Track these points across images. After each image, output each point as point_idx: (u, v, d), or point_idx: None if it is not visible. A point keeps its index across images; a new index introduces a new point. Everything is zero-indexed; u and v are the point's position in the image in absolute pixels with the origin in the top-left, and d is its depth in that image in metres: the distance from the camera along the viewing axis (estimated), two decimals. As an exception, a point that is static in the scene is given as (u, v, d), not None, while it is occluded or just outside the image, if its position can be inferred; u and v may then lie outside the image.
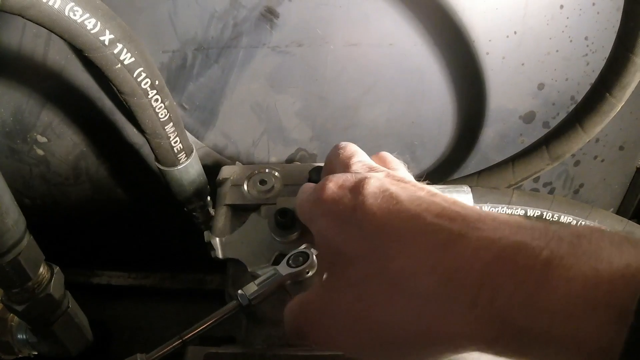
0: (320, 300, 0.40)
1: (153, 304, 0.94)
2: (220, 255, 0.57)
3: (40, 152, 0.88)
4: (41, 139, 0.86)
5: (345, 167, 0.46)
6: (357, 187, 0.39)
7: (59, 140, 0.86)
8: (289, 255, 0.51)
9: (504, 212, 0.72)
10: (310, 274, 0.51)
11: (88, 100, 0.82)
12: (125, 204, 0.93)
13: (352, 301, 0.37)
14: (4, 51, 0.78)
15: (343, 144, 0.50)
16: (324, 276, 0.40)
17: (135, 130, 0.84)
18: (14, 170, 0.89)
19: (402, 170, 0.47)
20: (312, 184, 0.52)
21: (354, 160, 0.46)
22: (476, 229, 0.32)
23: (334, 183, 0.41)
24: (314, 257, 0.50)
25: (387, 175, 0.41)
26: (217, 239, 0.57)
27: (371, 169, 0.44)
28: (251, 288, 0.49)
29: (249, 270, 0.55)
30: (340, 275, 0.38)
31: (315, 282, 0.41)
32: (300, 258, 0.51)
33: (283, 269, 0.50)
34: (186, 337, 0.48)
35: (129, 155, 0.87)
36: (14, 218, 0.55)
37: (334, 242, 0.39)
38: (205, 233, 0.56)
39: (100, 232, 0.97)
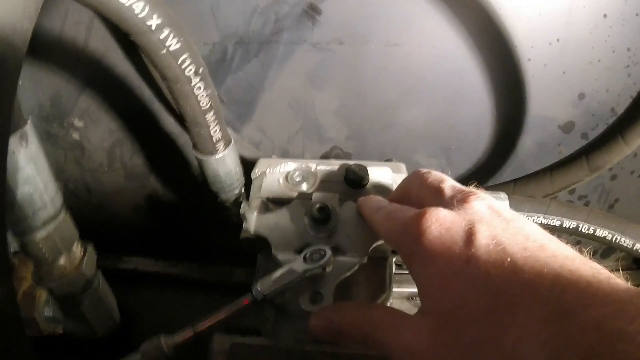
0: (431, 352, 0.39)
1: (179, 293, 0.94)
2: (252, 229, 0.56)
3: (76, 136, 0.88)
4: (78, 123, 0.87)
5: (437, 192, 0.46)
6: (469, 236, 0.39)
7: (95, 126, 0.87)
8: (305, 251, 0.51)
9: (539, 221, 0.71)
10: (327, 271, 0.51)
11: (127, 88, 0.83)
12: (157, 192, 0.94)
13: None
14: (46, 36, 0.79)
15: (424, 169, 0.50)
16: (433, 326, 0.39)
17: (172, 120, 0.84)
18: (49, 154, 0.89)
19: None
20: (380, 198, 0.53)
21: (446, 184, 0.46)
22: (585, 309, 0.32)
23: (439, 222, 0.41)
24: (330, 254, 0.50)
25: (489, 208, 0.42)
26: (254, 213, 0.57)
27: (467, 195, 0.43)
28: (266, 282, 0.50)
29: (272, 252, 0.54)
30: (453, 335, 0.38)
31: (421, 326, 0.40)
32: (317, 255, 0.51)
33: (299, 264, 0.50)
34: (199, 329, 0.49)
35: (164, 145, 0.88)
36: (52, 194, 0.55)
37: (446, 296, 0.39)
38: (243, 204, 0.56)
39: (131, 220, 0.98)
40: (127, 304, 0.85)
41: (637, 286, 0.34)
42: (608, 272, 0.35)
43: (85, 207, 0.97)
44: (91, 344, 0.71)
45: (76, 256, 0.62)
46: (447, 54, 0.78)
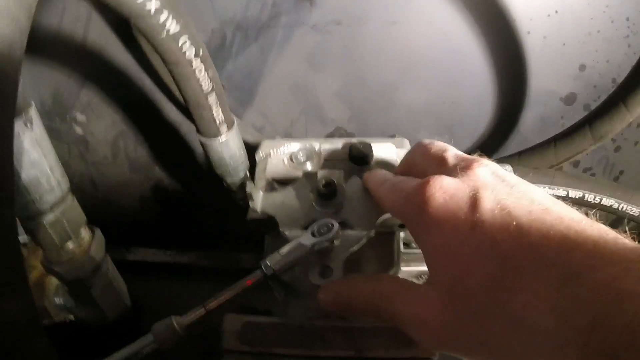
0: (441, 321, 0.39)
1: (187, 281, 0.94)
2: (258, 208, 0.57)
3: (79, 131, 0.89)
4: (80, 118, 0.87)
5: (440, 161, 0.46)
6: (473, 202, 0.39)
7: (97, 119, 0.87)
8: (312, 225, 0.52)
9: (546, 192, 0.71)
10: (335, 244, 0.51)
11: (127, 79, 0.83)
12: (162, 182, 0.94)
13: (474, 328, 0.37)
14: (44, 32, 0.79)
15: (426, 140, 0.50)
16: (441, 294, 0.40)
17: (174, 108, 0.84)
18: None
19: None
20: (385, 171, 0.53)
21: (448, 153, 0.46)
22: (591, 269, 0.32)
23: (442, 190, 0.41)
24: (338, 227, 0.51)
25: (493, 174, 0.42)
26: (260, 192, 0.58)
27: (470, 162, 0.43)
28: (275, 258, 0.50)
29: (279, 229, 0.55)
30: (461, 302, 0.38)
31: (430, 296, 0.41)
32: (325, 228, 0.51)
33: (307, 239, 0.50)
34: (209, 307, 0.49)
35: (167, 134, 0.88)
36: (58, 178, 0.56)
37: (453, 264, 0.39)
38: (249, 184, 0.56)
39: (137, 211, 0.98)
40: (137, 294, 0.85)
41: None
42: (615, 232, 0.35)
43: (92, 201, 0.97)
44: (102, 331, 0.71)
45: (85, 240, 0.63)
46: (446, 30, 0.78)
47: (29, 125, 0.49)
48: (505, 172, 0.43)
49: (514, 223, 0.36)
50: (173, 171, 0.93)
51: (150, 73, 0.81)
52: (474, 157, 0.45)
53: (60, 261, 0.60)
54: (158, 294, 0.95)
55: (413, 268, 0.95)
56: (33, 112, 0.50)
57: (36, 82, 0.84)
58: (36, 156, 0.51)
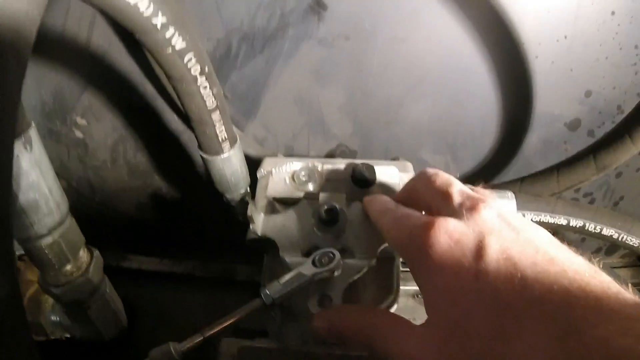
0: None
1: (182, 291, 0.94)
2: (259, 231, 0.56)
3: (79, 134, 0.88)
4: (81, 121, 0.86)
5: (444, 197, 0.45)
6: (478, 250, 0.38)
7: (98, 123, 0.86)
8: (314, 255, 0.51)
9: (546, 220, 0.71)
10: (336, 274, 0.50)
11: (130, 84, 0.82)
12: (161, 190, 0.93)
13: None
14: (48, 33, 0.78)
15: (431, 170, 0.49)
16: (438, 338, 0.39)
17: (175, 117, 0.83)
18: (52, 151, 0.88)
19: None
20: (386, 198, 0.52)
21: (454, 189, 0.45)
22: (591, 326, 0.32)
23: (448, 235, 0.40)
24: (339, 257, 0.50)
25: (499, 217, 0.41)
26: (261, 214, 0.57)
27: (476, 202, 0.42)
28: (275, 287, 0.49)
29: (280, 254, 0.54)
30: (458, 347, 0.37)
31: (426, 338, 0.40)
32: (326, 258, 0.50)
33: (308, 268, 0.50)
34: (207, 335, 0.48)
35: (167, 142, 0.87)
36: (57, 200, 0.54)
37: (453, 308, 0.38)
38: (250, 206, 0.55)
39: (134, 217, 0.97)
40: (132, 302, 0.85)
41: (638, 284, 0.34)
42: (617, 285, 0.34)
43: (89, 205, 0.96)
44: (96, 345, 0.71)
45: (83, 261, 0.62)
46: (454, 49, 0.77)
47: (28, 147, 0.48)
48: (511, 214, 0.42)
49: (519, 275, 0.36)
50: (172, 179, 0.93)
51: (154, 80, 0.80)
52: (479, 195, 0.44)
53: (58, 283, 0.59)
54: (153, 302, 0.95)
55: (410, 287, 0.96)
56: (32, 133, 0.49)
57: (38, 83, 0.83)
58: (35, 178, 0.50)
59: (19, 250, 0.58)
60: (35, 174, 0.50)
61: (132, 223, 0.98)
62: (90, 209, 0.95)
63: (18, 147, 0.47)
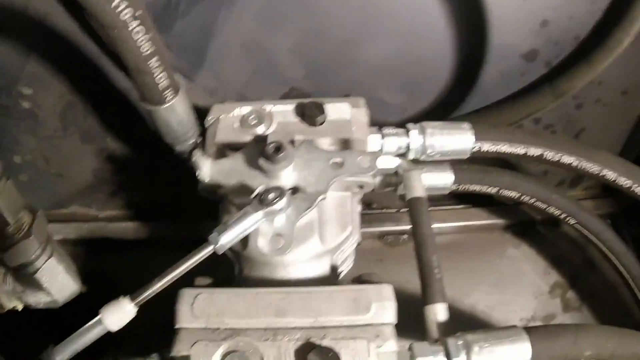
0: None
1: (151, 253, 0.91)
2: (206, 177, 0.55)
3: (26, 105, 0.85)
4: (26, 91, 0.83)
5: None
6: None
7: (44, 91, 0.84)
8: (259, 192, 0.50)
9: (504, 150, 0.70)
10: (285, 211, 0.49)
11: (72, 47, 0.79)
12: (116, 152, 0.91)
13: None
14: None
15: None
16: None
17: (122, 74, 0.81)
18: (1, 126, 0.87)
19: None
20: None
21: None
22: None
23: None
24: (286, 192, 0.49)
25: None
26: (208, 160, 0.56)
27: None
28: (222, 229, 0.48)
29: (228, 197, 0.53)
30: None
31: None
32: (272, 195, 0.49)
33: (255, 206, 0.49)
34: (162, 284, 0.48)
35: (117, 101, 0.84)
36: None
37: None
38: (195, 151, 0.54)
39: (93, 184, 0.96)
40: (101, 270, 0.83)
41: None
42: None
43: (45, 177, 0.94)
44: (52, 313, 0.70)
45: (24, 223, 0.60)
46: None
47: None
48: None
49: None
50: (126, 140, 0.90)
51: (97, 40, 0.77)
52: None
53: (2, 247, 0.58)
54: (122, 268, 0.94)
55: (375, 229, 0.95)
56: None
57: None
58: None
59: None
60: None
61: (92, 189, 0.96)
62: (47, 180, 0.92)
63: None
